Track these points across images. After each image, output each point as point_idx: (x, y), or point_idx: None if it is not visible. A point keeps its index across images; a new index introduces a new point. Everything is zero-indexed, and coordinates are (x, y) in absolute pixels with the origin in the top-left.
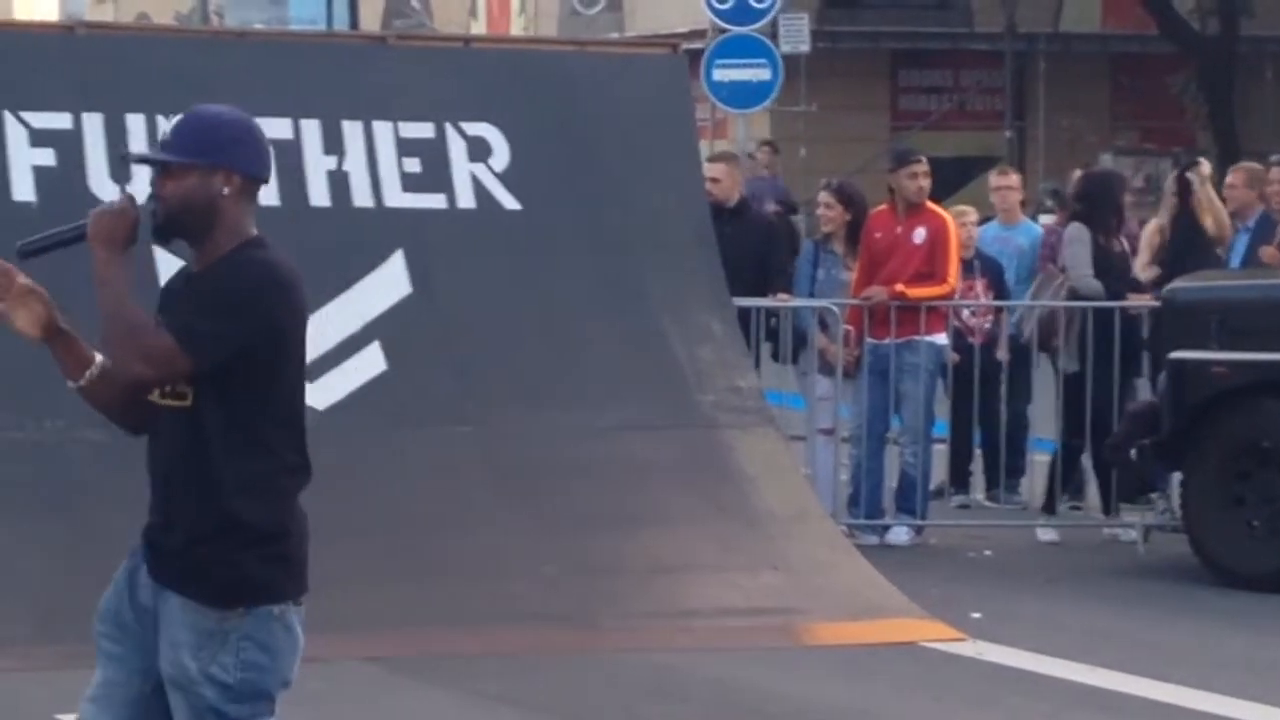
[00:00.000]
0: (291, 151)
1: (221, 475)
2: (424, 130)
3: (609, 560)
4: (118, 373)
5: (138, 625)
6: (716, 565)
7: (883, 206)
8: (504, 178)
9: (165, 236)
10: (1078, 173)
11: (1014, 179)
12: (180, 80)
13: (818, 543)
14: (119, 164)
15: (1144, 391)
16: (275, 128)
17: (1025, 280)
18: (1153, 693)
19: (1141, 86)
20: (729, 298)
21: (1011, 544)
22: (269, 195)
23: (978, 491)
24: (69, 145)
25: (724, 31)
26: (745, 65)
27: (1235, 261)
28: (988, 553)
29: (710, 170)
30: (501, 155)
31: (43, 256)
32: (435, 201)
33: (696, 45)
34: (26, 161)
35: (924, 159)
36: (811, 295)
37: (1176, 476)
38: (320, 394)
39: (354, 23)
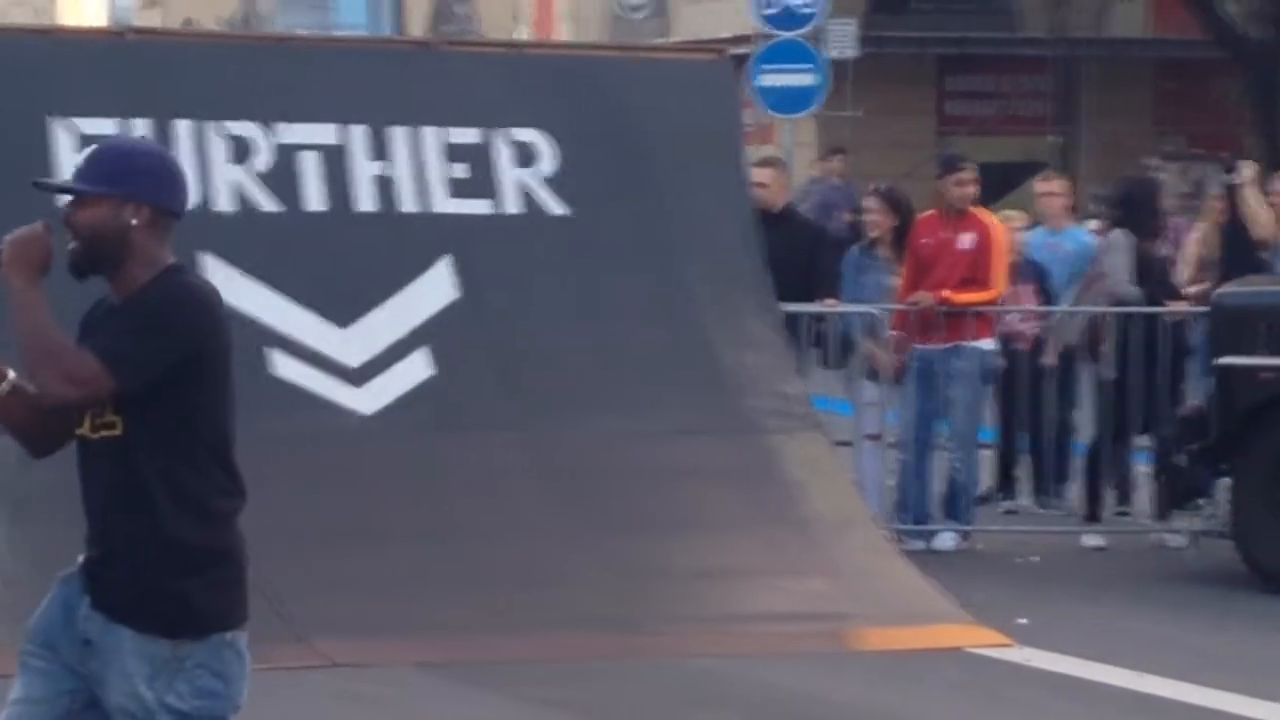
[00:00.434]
0: (338, 157)
1: (157, 501)
2: (471, 136)
3: (656, 565)
4: (42, 396)
5: (71, 654)
6: (764, 570)
7: (930, 212)
8: (551, 183)
9: (81, 271)
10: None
11: (1058, 184)
12: (227, 86)
13: (865, 548)
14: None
15: (1193, 397)
16: (322, 133)
17: (1071, 286)
18: (1200, 699)
19: (1188, 92)
20: (776, 303)
21: (1058, 549)
22: (316, 201)
23: (1025, 497)
24: None
25: (770, 37)
26: (791, 70)
27: None
28: (1035, 558)
29: (757, 175)
30: (548, 161)
31: None
32: (482, 207)
33: (743, 50)
34: (72, 167)
35: (971, 166)
36: (858, 301)
37: (1224, 482)
38: (367, 399)
39: (400, 28)
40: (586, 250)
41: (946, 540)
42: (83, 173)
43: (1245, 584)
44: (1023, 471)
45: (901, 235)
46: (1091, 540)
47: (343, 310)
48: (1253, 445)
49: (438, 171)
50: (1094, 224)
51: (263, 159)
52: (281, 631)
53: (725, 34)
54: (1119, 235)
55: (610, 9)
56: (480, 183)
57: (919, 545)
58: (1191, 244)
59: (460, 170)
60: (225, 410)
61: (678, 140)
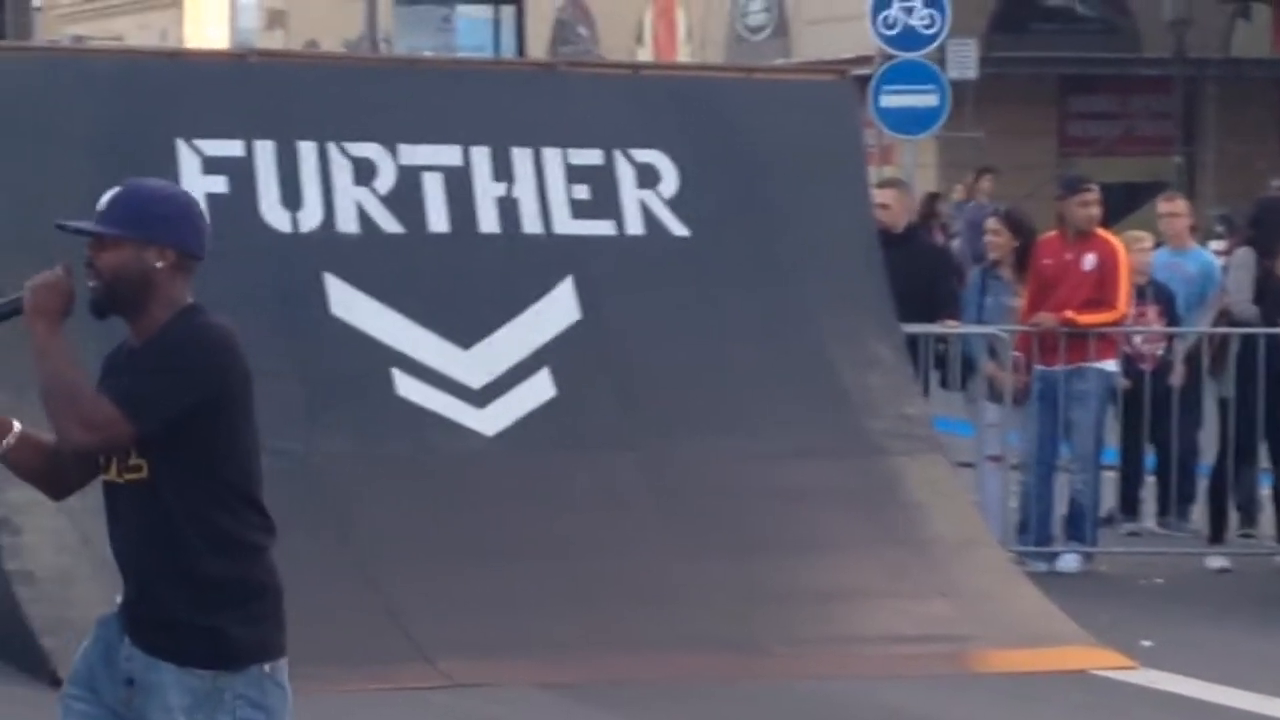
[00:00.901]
0: (461, 178)
1: (188, 540)
2: (593, 157)
3: (776, 586)
4: (61, 442)
5: (113, 696)
6: (885, 592)
7: (1052, 233)
8: (672, 204)
9: (102, 312)
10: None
11: (1181, 205)
12: (351, 108)
13: (987, 570)
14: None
15: None
16: (445, 155)
17: (1194, 306)
18: None
19: None
20: (897, 324)
21: (1183, 571)
22: (439, 222)
23: (1149, 519)
24: (241, 173)
25: (891, 57)
26: (913, 91)
27: None
28: (1159, 580)
29: (879, 196)
30: (670, 182)
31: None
32: (604, 228)
33: (864, 71)
34: (199, 189)
35: (1095, 187)
36: (980, 322)
37: None
38: (489, 420)
39: (521, 49)
40: (707, 271)
41: (1069, 562)
42: (105, 215)
43: None
44: (1147, 493)
45: (1023, 256)
46: (1216, 562)
47: (465, 331)
48: None
49: (560, 193)
50: (1216, 244)
51: (386, 180)
52: (404, 651)
53: (846, 55)
54: (1243, 253)
55: (731, 30)
56: (602, 204)
57: (1041, 567)
58: None
59: (582, 191)
60: (250, 448)
61: (799, 161)
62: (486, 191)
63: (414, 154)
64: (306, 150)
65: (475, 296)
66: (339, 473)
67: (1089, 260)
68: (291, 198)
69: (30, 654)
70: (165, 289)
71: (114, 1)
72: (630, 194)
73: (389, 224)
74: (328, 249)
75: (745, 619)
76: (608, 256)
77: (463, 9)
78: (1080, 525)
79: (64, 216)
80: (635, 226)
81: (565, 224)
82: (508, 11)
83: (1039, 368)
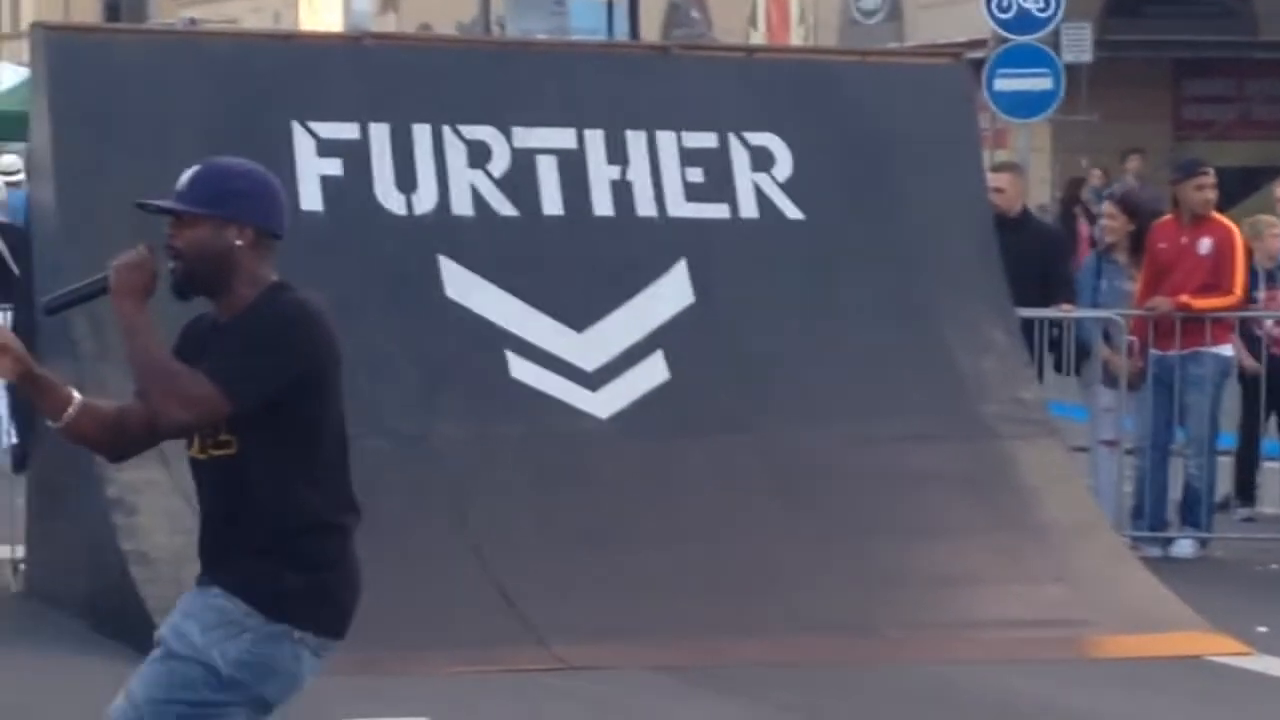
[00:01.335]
0: (575, 162)
1: (270, 518)
2: (707, 140)
3: (892, 571)
4: (157, 420)
5: None
6: (999, 577)
7: (1167, 216)
8: (787, 187)
9: (184, 291)
10: None
11: None
12: (466, 91)
13: (1101, 555)
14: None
15: None
16: (560, 138)
17: None
18: None
19: None
20: (1012, 308)
21: None
22: (553, 205)
23: (1266, 504)
24: (356, 155)
25: (1005, 41)
26: (1027, 75)
27: None
28: (1274, 566)
29: (994, 180)
30: (784, 165)
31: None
32: (718, 211)
33: (978, 55)
34: (314, 171)
35: (1210, 171)
36: (1094, 306)
37: None
38: (603, 403)
39: (634, 32)
40: (822, 254)
41: (1184, 547)
42: (185, 194)
43: None
44: (1264, 478)
45: (1138, 240)
46: None
47: (579, 314)
48: None
49: (674, 176)
50: None
51: (500, 163)
52: (519, 634)
53: (960, 38)
54: None
55: (844, 13)
56: (716, 187)
57: (1155, 552)
58: None
59: (696, 174)
60: (338, 425)
61: (913, 145)
62: (601, 174)
63: (528, 137)
64: (421, 133)
65: (589, 279)
66: (454, 455)
67: (1204, 244)
68: (406, 180)
69: (145, 635)
70: (247, 266)
71: None
72: (744, 177)
73: (503, 207)
74: (442, 232)
75: (859, 603)
76: (722, 240)
77: None
78: (1195, 510)
79: None
80: (749, 210)
81: (679, 207)
82: None
83: (1154, 352)
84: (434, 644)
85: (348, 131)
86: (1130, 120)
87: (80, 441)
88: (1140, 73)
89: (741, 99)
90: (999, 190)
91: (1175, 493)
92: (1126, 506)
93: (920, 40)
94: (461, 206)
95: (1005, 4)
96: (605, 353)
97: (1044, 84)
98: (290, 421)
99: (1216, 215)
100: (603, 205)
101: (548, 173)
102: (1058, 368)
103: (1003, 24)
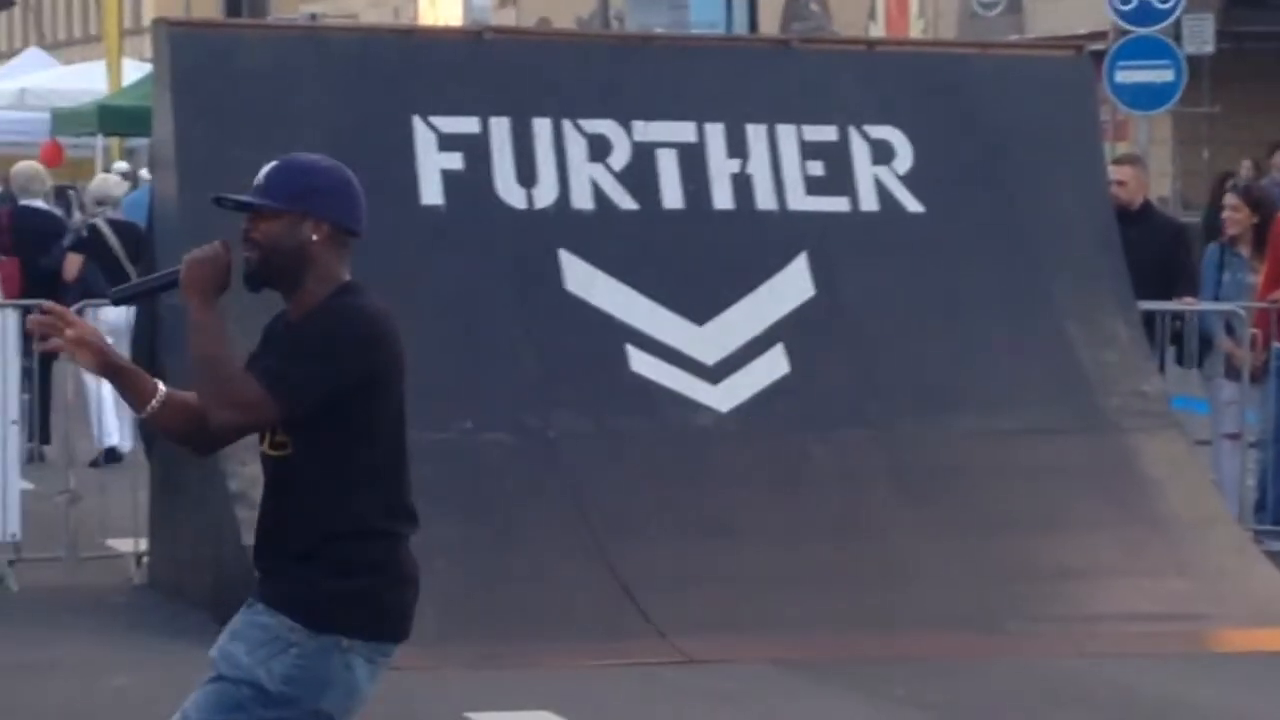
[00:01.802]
0: (696, 155)
1: (320, 520)
2: (827, 133)
3: (1013, 564)
4: (208, 419)
5: None
6: (1121, 570)
7: None
8: (907, 180)
9: (256, 284)
10: None
11: None
12: (586, 85)
13: (1224, 548)
14: (525, 169)
15: None
16: (680, 131)
17: None
18: None
19: None
20: (1134, 301)
21: None
22: (673, 199)
23: None
24: (477, 149)
25: (1126, 33)
26: (1148, 66)
27: None
28: None
29: (1116, 173)
30: (905, 158)
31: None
32: (839, 204)
33: (1098, 47)
34: (435, 166)
35: None
36: (1217, 299)
37: None
38: (723, 396)
39: (753, 26)
40: (942, 247)
41: None
42: (263, 188)
43: None
44: None
45: (1262, 233)
46: None
47: (699, 307)
48: None
49: (794, 169)
50: None
51: (620, 157)
52: (641, 628)
53: (1081, 30)
54: None
55: (964, 6)
56: (837, 180)
57: (1278, 546)
58: None
59: (816, 168)
60: (396, 431)
61: (1035, 138)
62: (721, 168)
63: (648, 131)
64: (541, 127)
65: (709, 273)
66: (575, 449)
67: None
68: (526, 174)
69: None
70: (321, 263)
71: None
72: (865, 170)
73: (624, 200)
74: (563, 225)
75: (983, 597)
76: (842, 233)
77: None
78: None
79: None
80: (870, 203)
81: (799, 200)
82: None
83: (1277, 345)
84: (556, 638)
85: (468, 126)
86: (1252, 112)
87: (166, 433)
88: (1262, 64)
89: (862, 92)
90: (1120, 183)
91: None
92: (1249, 500)
93: (1040, 32)
94: (582, 200)
95: None
96: (725, 346)
97: (1165, 76)
98: (344, 427)
99: None
100: (723, 199)
101: (668, 166)
102: (1180, 361)
103: (1124, 16)
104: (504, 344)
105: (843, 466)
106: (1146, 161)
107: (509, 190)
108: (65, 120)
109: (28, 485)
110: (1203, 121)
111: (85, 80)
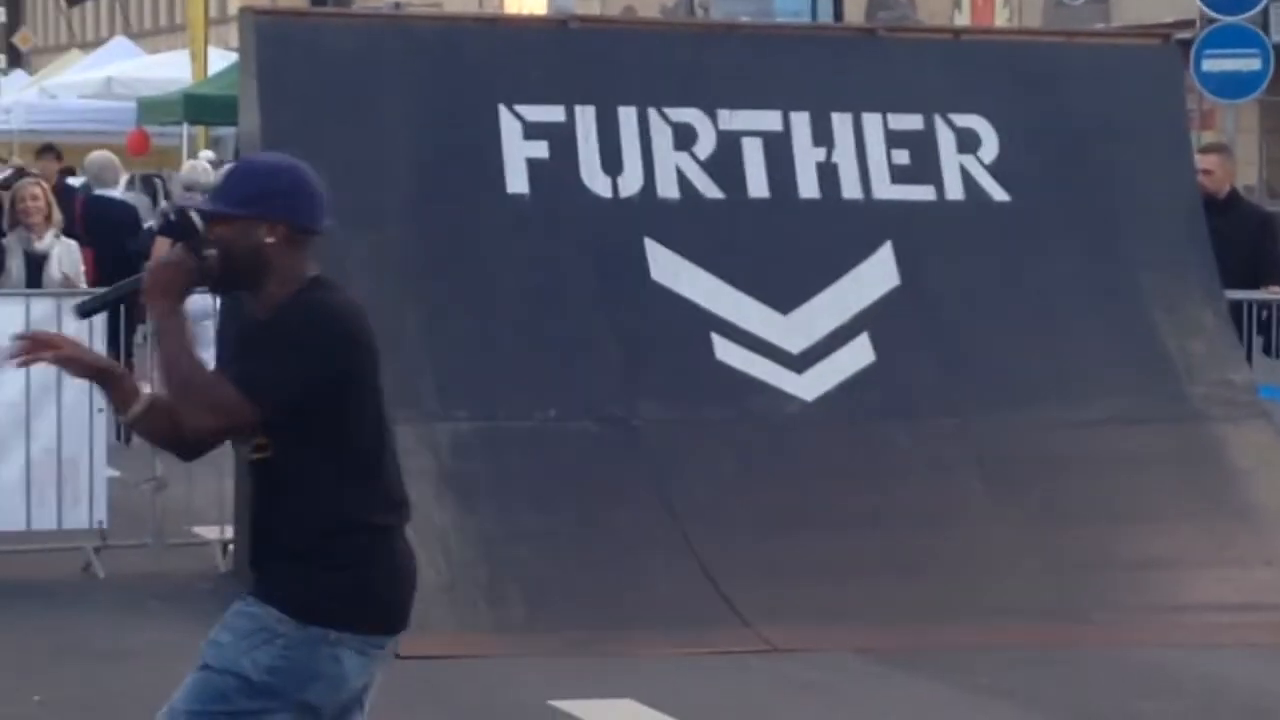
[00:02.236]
0: (781, 144)
1: (304, 520)
2: (913, 122)
3: (1099, 554)
4: (184, 425)
5: None
6: (1208, 560)
7: None
8: (993, 169)
9: (219, 287)
10: None
11: None
12: (671, 73)
13: None
14: (610, 157)
15: None
16: (765, 120)
17: None
18: None
19: None
20: (1221, 291)
21: None
22: (759, 187)
23: None
24: (562, 138)
25: (1213, 21)
26: (1235, 55)
27: None
28: None
29: (1202, 162)
30: (991, 147)
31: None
32: (924, 193)
33: (1185, 35)
34: (520, 154)
35: None
36: None
37: None
38: (809, 385)
39: (838, 15)
40: (1028, 236)
41: None
42: (216, 194)
43: None
44: None
45: None
46: None
47: (785, 296)
48: None
49: (880, 158)
50: None
51: (706, 146)
52: (724, 616)
53: (1167, 19)
54: None
55: None
56: (922, 169)
57: None
58: None
59: (901, 156)
60: (376, 423)
61: (1121, 127)
62: (806, 157)
63: (733, 119)
64: (626, 115)
65: (794, 262)
66: (660, 437)
67: None
68: (612, 163)
69: None
70: (280, 264)
71: None
72: (950, 159)
73: (709, 189)
74: (648, 214)
75: (1067, 587)
76: (927, 222)
77: None
78: None
79: (385, 184)
80: (955, 192)
81: (885, 189)
82: None
83: None
84: (638, 625)
85: (553, 114)
86: None
87: (149, 438)
88: None
89: (947, 81)
90: (1207, 172)
91: None
92: None
93: (1126, 21)
94: (667, 189)
95: None
96: (810, 335)
97: (1252, 64)
98: (322, 423)
99: None
100: (808, 187)
101: (753, 155)
102: (1267, 350)
103: (1211, 4)
104: (588, 332)
105: (928, 456)
106: (1233, 150)
107: (594, 179)
108: (151, 109)
109: (114, 472)
110: None
111: (171, 69)
